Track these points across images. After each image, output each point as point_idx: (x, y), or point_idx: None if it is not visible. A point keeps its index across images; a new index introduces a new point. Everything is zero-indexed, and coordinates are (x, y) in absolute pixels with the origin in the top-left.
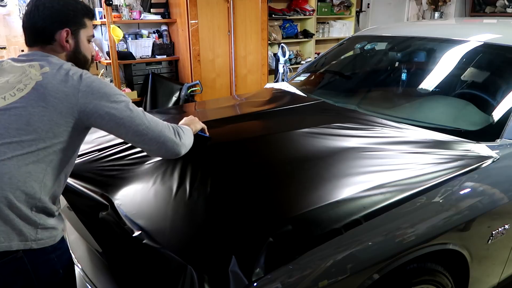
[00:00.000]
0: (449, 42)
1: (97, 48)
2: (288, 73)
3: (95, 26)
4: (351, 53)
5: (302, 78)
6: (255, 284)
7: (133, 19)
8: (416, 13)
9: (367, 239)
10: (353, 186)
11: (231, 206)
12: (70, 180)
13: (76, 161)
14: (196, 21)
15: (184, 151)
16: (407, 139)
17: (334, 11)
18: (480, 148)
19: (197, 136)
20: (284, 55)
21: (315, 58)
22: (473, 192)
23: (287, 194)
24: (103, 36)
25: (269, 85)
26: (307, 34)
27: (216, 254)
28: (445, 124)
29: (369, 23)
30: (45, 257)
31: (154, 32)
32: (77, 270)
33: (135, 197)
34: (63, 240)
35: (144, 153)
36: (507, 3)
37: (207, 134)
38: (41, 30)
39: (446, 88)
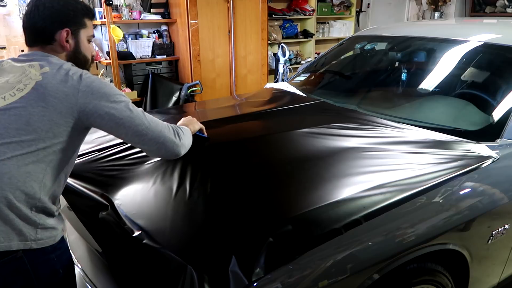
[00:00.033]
0: (449, 42)
1: (97, 48)
2: (288, 73)
3: (95, 26)
4: (351, 53)
5: (302, 78)
6: (255, 284)
7: (133, 19)
8: (416, 13)
9: (367, 239)
10: (353, 186)
11: (231, 206)
12: (70, 180)
13: (76, 161)
14: (196, 21)
15: (183, 152)
16: (407, 139)
17: (334, 11)
18: (480, 148)
19: (195, 136)
20: (284, 55)
21: (315, 58)
22: (473, 192)
23: (287, 194)
24: (103, 36)
25: (269, 85)
26: (307, 34)
27: (216, 254)
28: (445, 124)
29: (369, 23)
30: (45, 257)
31: (154, 32)
32: (77, 270)
33: (135, 197)
34: (63, 240)
35: (144, 153)
36: (507, 3)
37: (205, 134)
38: (41, 30)
39: (446, 88)
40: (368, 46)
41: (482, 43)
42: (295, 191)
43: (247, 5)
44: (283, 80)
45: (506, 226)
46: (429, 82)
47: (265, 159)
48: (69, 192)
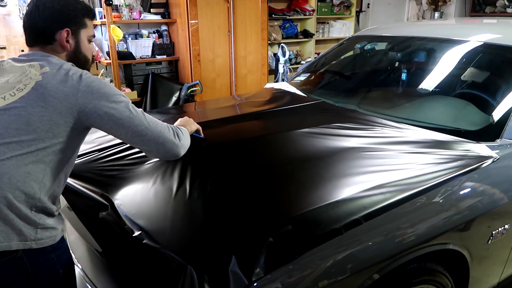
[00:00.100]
0: (449, 42)
1: (97, 48)
2: (288, 73)
3: (95, 26)
4: (351, 53)
5: (302, 78)
6: (255, 284)
7: (133, 19)
8: (416, 13)
9: (367, 239)
10: (353, 186)
11: (231, 206)
12: (70, 180)
13: (76, 161)
14: (196, 21)
15: (183, 152)
16: (407, 139)
17: (334, 11)
18: (480, 148)
19: (192, 137)
20: (284, 55)
21: (315, 58)
22: (473, 192)
23: (287, 194)
24: (103, 36)
25: (269, 85)
26: (307, 34)
27: (216, 254)
28: (445, 124)
29: (369, 23)
30: (45, 257)
31: (154, 32)
32: (77, 270)
33: (135, 197)
34: (63, 240)
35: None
36: (507, 3)
37: (202, 135)
38: (41, 30)
39: (446, 88)
40: (368, 46)
41: (482, 43)
42: (295, 191)
43: (247, 5)
44: (283, 80)
45: (506, 226)
46: (429, 82)
47: (265, 159)
48: (69, 192)
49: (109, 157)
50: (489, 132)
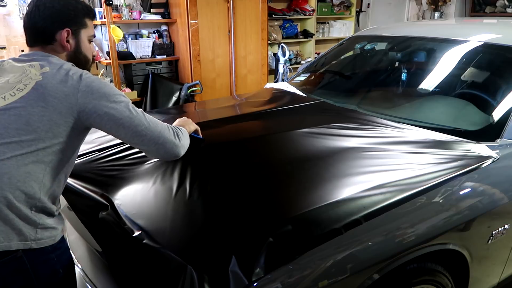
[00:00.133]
0: (449, 42)
1: (97, 48)
2: (288, 73)
3: (95, 26)
4: (351, 53)
5: (302, 78)
6: (255, 284)
7: (133, 19)
8: (416, 13)
9: (367, 239)
10: (353, 186)
11: (231, 206)
12: (70, 180)
13: (76, 161)
14: (196, 21)
15: (182, 153)
16: (407, 139)
17: (334, 11)
18: (480, 148)
19: (191, 137)
20: (284, 55)
21: (315, 58)
22: (473, 192)
23: (287, 194)
24: (103, 36)
25: (269, 85)
26: (307, 34)
27: (216, 254)
28: (445, 124)
29: (369, 23)
30: (45, 257)
31: (154, 32)
32: (77, 270)
33: (135, 197)
34: (63, 240)
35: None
36: (507, 3)
37: (201, 135)
38: (41, 30)
39: (446, 88)
40: (368, 46)
41: (482, 43)
42: (295, 191)
43: (247, 5)
44: (283, 80)
45: (506, 226)
46: (429, 82)
47: (265, 159)
48: (69, 192)
49: (109, 157)
50: (489, 132)
